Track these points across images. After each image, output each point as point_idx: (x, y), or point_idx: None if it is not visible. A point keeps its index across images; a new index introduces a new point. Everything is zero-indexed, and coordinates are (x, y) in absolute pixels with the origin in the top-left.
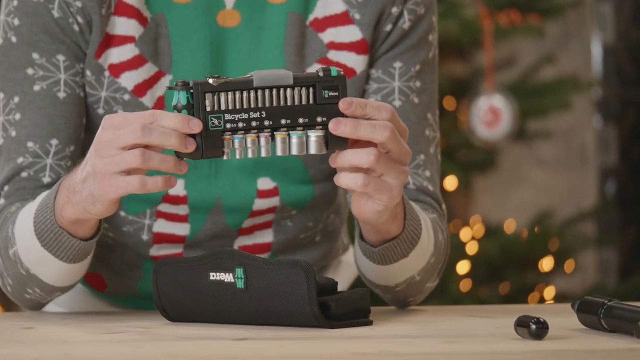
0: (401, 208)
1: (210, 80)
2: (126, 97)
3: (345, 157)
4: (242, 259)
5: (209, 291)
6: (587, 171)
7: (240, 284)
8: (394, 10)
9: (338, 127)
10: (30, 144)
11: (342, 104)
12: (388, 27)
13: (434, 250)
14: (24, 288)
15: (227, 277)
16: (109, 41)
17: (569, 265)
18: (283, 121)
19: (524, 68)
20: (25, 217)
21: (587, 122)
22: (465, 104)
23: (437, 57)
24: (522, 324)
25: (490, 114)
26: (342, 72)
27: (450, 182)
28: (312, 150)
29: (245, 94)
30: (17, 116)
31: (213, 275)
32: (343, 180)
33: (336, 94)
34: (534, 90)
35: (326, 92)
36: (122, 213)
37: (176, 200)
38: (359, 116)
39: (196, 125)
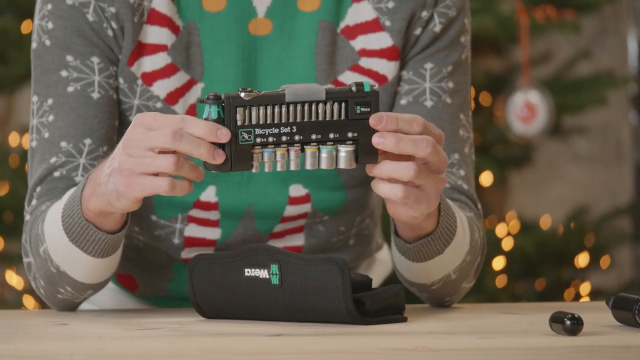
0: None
1: (242, 95)
2: (158, 105)
3: (384, 169)
4: (277, 255)
5: (244, 287)
6: (623, 167)
7: (275, 280)
8: (424, 14)
9: (381, 140)
10: (63, 144)
11: (373, 120)
12: (418, 31)
13: (469, 248)
14: (56, 287)
15: (262, 274)
16: (142, 49)
17: (604, 261)
18: (314, 136)
19: (560, 63)
20: (54, 213)
21: (623, 117)
22: (501, 99)
23: (469, 59)
24: (556, 319)
25: (526, 110)
26: (375, 87)
27: (486, 178)
28: (342, 164)
29: (277, 108)
30: (51, 118)
31: (248, 272)
32: (382, 189)
33: (368, 109)
34: (570, 85)
35: (358, 107)
36: (154, 217)
37: (207, 207)
38: (391, 131)
39: (224, 135)
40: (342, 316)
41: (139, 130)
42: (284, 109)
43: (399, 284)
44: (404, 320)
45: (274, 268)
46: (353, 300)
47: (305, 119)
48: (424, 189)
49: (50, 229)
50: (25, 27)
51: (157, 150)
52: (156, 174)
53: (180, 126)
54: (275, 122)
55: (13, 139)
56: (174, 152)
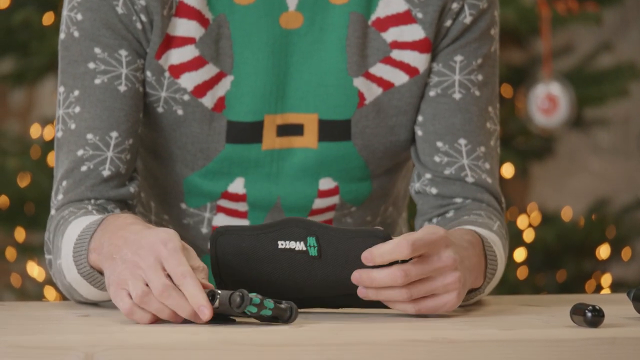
0: (484, 259)
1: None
2: (186, 97)
3: (381, 296)
4: (314, 228)
5: (278, 259)
6: None
7: (313, 252)
8: (455, 6)
9: (358, 280)
10: (89, 136)
11: (365, 258)
12: (448, 23)
13: (504, 265)
14: (71, 295)
15: (299, 246)
16: (170, 42)
17: (626, 253)
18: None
19: (582, 56)
20: (71, 237)
21: None
22: (522, 91)
23: (498, 51)
24: (577, 311)
25: (547, 102)
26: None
27: (508, 170)
28: None
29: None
30: (77, 109)
31: (282, 244)
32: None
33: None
34: (592, 77)
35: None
36: (184, 205)
37: (235, 198)
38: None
39: (205, 316)
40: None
41: (151, 260)
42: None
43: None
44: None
45: (312, 240)
46: None
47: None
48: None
49: (65, 250)
50: (47, 19)
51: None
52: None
53: (177, 281)
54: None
55: (34, 131)
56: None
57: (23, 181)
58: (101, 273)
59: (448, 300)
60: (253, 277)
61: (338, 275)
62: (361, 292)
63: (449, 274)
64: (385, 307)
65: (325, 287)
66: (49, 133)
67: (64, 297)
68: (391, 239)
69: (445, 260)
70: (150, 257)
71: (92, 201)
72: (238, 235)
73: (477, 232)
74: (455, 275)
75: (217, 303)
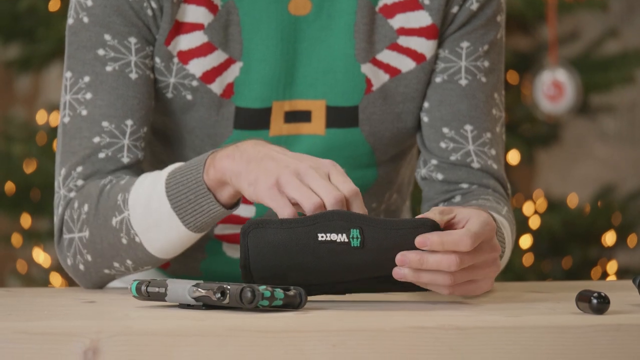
0: None
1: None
2: (194, 83)
3: (422, 279)
4: (358, 219)
5: (316, 251)
6: None
7: (355, 243)
8: None
9: (404, 260)
10: (105, 124)
11: (419, 241)
12: (455, 9)
13: (510, 251)
14: (110, 262)
15: (340, 237)
16: (179, 28)
17: (631, 239)
18: None
19: (588, 42)
20: (150, 180)
21: None
22: (528, 78)
23: (504, 38)
24: (583, 298)
25: (553, 88)
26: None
27: (513, 157)
28: None
29: None
30: (89, 95)
31: (322, 236)
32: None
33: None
34: (598, 64)
35: None
36: None
37: None
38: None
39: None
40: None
41: (318, 174)
42: None
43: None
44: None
45: (355, 232)
46: None
47: None
48: (471, 283)
49: (140, 198)
50: (52, 5)
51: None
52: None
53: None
54: None
55: (40, 117)
56: None
57: (29, 167)
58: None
59: (484, 286)
60: (286, 269)
61: (378, 261)
62: (398, 273)
63: (493, 265)
64: (410, 289)
65: (363, 273)
66: (54, 119)
67: (70, 283)
68: (440, 228)
69: (492, 252)
70: (322, 170)
71: (130, 176)
72: (272, 229)
73: (492, 215)
74: (497, 264)
75: (227, 299)
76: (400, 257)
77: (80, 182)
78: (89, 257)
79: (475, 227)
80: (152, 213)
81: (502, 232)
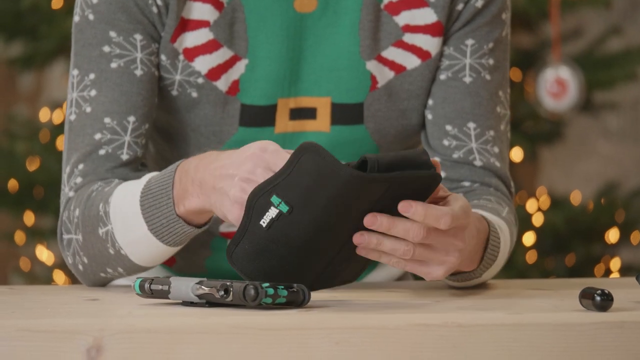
0: (482, 247)
1: None
2: (200, 80)
3: (383, 246)
4: (393, 179)
5: (349, 186)
6: None
7: (283, 208)
8: None
9: (374, 221)
10: (107, 120)
11: (402, 206)
12: (460, 6)
13: (507, 257)
14: (103, 268)
15: (273, 212)
16: (184, 25)
17: (635, 236)
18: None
19: (591, 39)
20: (126, 198)
21: None
22: (531, 75)
23: (509, 36)
24: (586, 295)
25: (556, 86)
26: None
27: (517, 154)
28: None
29: None
30: (93, 92)
31: (263, 222)
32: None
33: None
34: (601, 61)
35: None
36: None
37: None
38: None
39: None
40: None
41: (260, 171)
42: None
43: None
44: (438, 178)
45: (275, 199)
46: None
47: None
48: (429, 260)
49: (119, 213)
50: (55, 2)
51: None
52: None
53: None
54: None
55: (44, 115)
56: None
57: (32, 165)
58: (187, 223)
59: (435, 272)
60: (317, 199)
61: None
62: (360, 239)
63: (452, 254)
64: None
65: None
66: (58, 117)
67: (73, 281)
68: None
69: (457, 241)
70: (258, 169)
71: (116, 180)
72: (241, 245)
73: (486, 219)
74: (455, 256)
75: (230, 296)
76: (370, 217)
77: (79, 180)
78: (85, 260)
79: (456, 210)
80: (132, 231)
81: (497, 236)
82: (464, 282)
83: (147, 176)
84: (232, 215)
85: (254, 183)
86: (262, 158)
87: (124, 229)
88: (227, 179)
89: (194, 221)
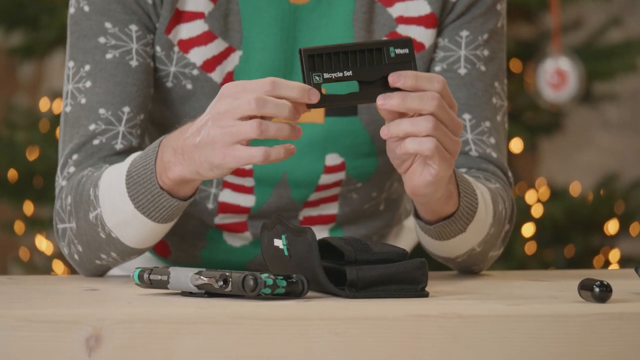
0: (455, 186)
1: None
2: (195, 72)
3: (402, 126)
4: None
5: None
6: None
7: (285, 252)
8: None
9: (386, 101)
10: (102, 111)
11: (391, 78)
12: None
13: (492, 221)
14: (97, 254)
15: (279, 243)
16: (179, 17)
17: (634, 228)
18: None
19: (591, 30)
20: (113, 179)
21: None
22: (531, 66)
23: (505, 27)
24: (585, 287)
25: (556, 77)
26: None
27: (516, 145)
28: None
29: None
30: (88, 84)
31: (277, 242)
32: (409, 146)
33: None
34: (601, 52)
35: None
36: None
37: (242, 173)
38: (409, 88)
39: (315, 95)
40: (319, 287)
41: (226, 101)
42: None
43: (422, 258)
44: (424, 295)
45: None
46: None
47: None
48: (444, 146)
49: (107, 195)
50: None
51: (244, 119)
52: (247, 143)
53: (271, 90)
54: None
55: (43, 104)
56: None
57: (32, 155)
58: (171, 195)
59: (439, 170)
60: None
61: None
62: (381, 100)
63: (457, 144)
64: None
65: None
66: (57, 107)
67: (72, 271)
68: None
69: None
70: (227, 107)
71: (106, 165)
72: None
73: (468, 179)
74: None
75: (229, 287)
76: (382, 97)
77: (72, 169)
78: (79, 248)
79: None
80: (120, 211)
81: (472, 189)
82: (450, 239)
83: (132, 156)
84: (224, 168)
85: (222, 114)
86: (226, 94)
87: (112, 211)
88: (202, 129)
89: (179, 193)
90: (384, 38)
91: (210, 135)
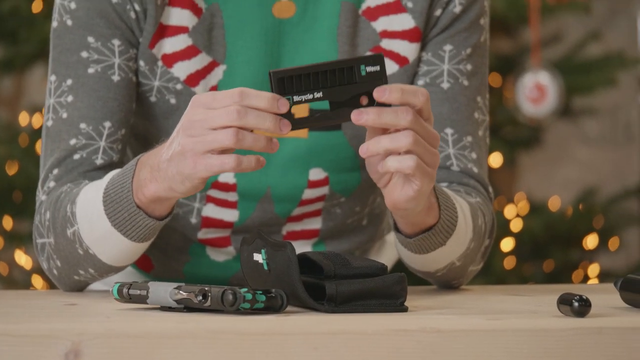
0: (435, 198)
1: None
2: (179, 86)
3: (382, 143)
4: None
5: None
6: (632, 148)
7: (265, 266)
8: None
9: (361, 117)
10: (83, 126)
11: (376, 93)
12: (438, 12)
13: (472, 235)
14: (75, 269)
15: (259, 257)
16: (163, 31)
17: (613, 242)
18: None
19: (570, 45)
20: (91, 196)
21: (632, 99)
22: (510, 80)
23: (488, 41)
24: (564, 301)
25: (535, 91)
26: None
27: (495, 159)
28: None
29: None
30: (70, 98)
31: (256, 257)
32: (391, 164)
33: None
34: (580, 67)
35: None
36: None
37: (225, 188)
38: (396, 102)
39: (284, 105)
40: (298, 301)
41: (199, 111)
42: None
43: (402, 272)
44: (403, 310)
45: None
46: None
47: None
48: (424, 160)
49: (84, 212)
50: (35, 6)
51: (219, 128)
52: (220, 152)
53: (240, 100)
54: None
55: (23, 119)
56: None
57: (11, 169)
58: (147, 215)
59: (423, 186)
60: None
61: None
62: (357, 115)
63: (436, 156)
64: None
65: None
66: (37, 121)
67: (51, 286)
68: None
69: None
70: (202, 116)
71: (86, 181)
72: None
73: (447, 192)
74: (414, 159)
75: (209, 301)
76: (356, 113)
77: (52, 184)
78: (58, 263)
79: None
80: (97, 229)
81: (452, 202)
82: (430, 252)
83: (111, 173)
84: (194, 179)
85: (195, 123)
86: (197, 104)
87: (89, 228)
88: (174, 141)
89: (155, 212)
90: (368, 53)
91: (181, 144)
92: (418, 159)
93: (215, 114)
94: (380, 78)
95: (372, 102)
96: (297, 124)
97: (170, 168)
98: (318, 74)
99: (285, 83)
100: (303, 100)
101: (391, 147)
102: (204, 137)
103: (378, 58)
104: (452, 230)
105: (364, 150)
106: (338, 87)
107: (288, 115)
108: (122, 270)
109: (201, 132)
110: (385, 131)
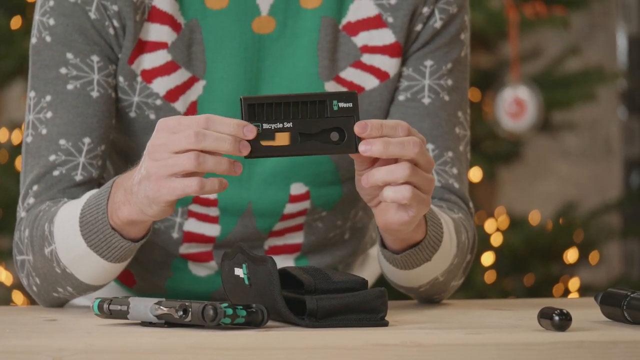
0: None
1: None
2: (158, 102)
3: (379, 175)
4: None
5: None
6: (612, 162)
7: (246, 280)
8: (425, 10)
9: (368, 148)
10: (62, 142)
11: (357, 128)
12: (418, 27)
13: (456, 251)
14: (54, 287)
15: (240, 272)
16: (142, 47)
17: (593, 256)
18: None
19: (549, 59)
20: (68, 217)
21: (612, 113)
22: (490, 95)
23: (469, 56)
24: (545, 315)
25: (515, 106)
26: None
27: (475, 174)
28: None
29: (279, 107)
30: (49, 114)
31: (237, 271)
32: (387, 194)
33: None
34: (559, 81)
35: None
36: None
37: (206, 202)
38: (375, 137)
39: (250, 132)
40: (279, 316)
41: (163, 135)
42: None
43: (382, 287)
44: (384, 324)
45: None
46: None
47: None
48: (420, 189)
49: (62, 232)
50: (14, 23)
51: (181, 152)
52: (185, 175)
53: (205, 126)
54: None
55: (2, 135)
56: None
57: None
58: (123, 237)
59: (417, 211)
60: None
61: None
62: (363, 147)
63: (432, 182)
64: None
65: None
66: (16, 137)
67: (32, 302)
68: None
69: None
70: (164, 140)
71: (65, 199)
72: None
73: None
74: (409, 189)
75: (189, 317)
76: (365, 143)
77: (32, 201)
78: (37, 280)
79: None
80: (73, 249)
81: (438, 218)
82: (415, 268)
83: (88, 194)
84: (160, 201)
85: (158, 147)
86: (161, 129)
87: (66, 248)
88: (142, 165)
89: (130, 234)
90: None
91: (146, 168)
92: (414, 189)
93: (175, 137)
94: (352, 115)
95: (342, 138)
96: (261, 151)
97: (140, 192)
98: (290, 105)
99: (256, 110)
100: (272, 128)
101: (389, 179)
102: (166, 160)
103: (351, 95)
104: (438, 246)
105: (365, 182)
106: (309, 119)
107: (254, 142)
108: (101, 288)
109: (164, 155)
110: (375, 160)
